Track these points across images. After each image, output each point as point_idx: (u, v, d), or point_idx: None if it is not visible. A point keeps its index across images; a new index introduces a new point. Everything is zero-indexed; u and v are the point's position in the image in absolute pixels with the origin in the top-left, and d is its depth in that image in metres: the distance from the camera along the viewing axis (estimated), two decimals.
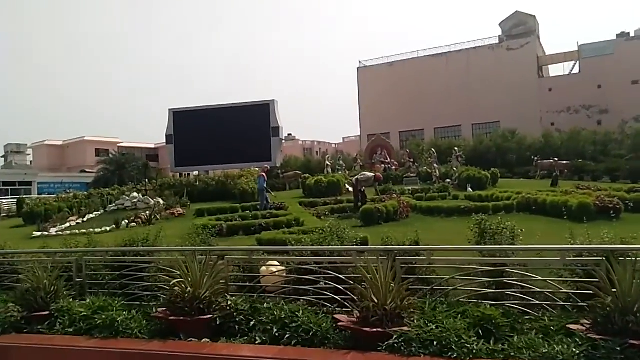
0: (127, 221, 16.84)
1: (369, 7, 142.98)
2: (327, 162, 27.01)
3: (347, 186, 22.10)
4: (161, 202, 19.97)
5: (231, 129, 31.73)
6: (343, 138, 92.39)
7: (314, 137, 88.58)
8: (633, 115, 45.79)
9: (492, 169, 22.39)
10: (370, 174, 16.43)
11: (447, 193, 18.51)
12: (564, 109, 50.72)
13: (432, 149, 27.10)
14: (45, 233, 16.61)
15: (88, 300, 6.22)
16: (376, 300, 4.94)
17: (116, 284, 6.95)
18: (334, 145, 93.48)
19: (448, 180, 21.36)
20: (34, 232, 16.87)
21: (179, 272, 5.93)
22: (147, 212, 17.81)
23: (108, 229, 15.99)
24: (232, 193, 22.63)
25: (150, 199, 20.51)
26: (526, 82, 51.64)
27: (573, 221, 10.54)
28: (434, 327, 4.55)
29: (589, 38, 73.15)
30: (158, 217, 17.29)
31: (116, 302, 6.22)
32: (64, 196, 24.93)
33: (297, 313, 5.23)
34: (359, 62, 61.04)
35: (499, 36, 54.79)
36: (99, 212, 20.58)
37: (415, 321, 4.73)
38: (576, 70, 53.28)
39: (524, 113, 49.01)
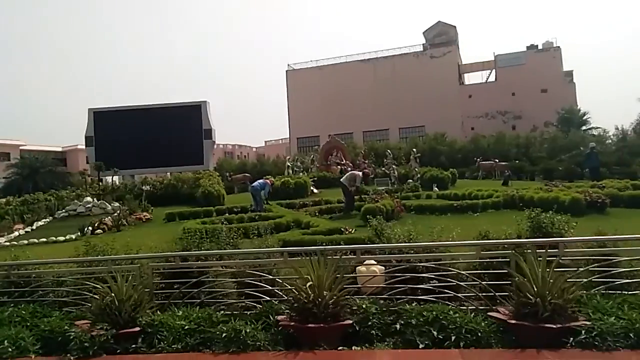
0: (90, 228, 15.22)
1: (293, 12, 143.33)
2: (288, 164, 26.47)
3: (312, 188, 21.80)
4: (120, 206, 18.33)
5: (159, 131, 30.11)
6: (265, 141, 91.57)
7: (232, 140, 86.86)
8: (543, 120, 49.96)
9: (451, 169, 23.22)
10: (359, 173, 16.27)
11: (419, 192, 18.85)
12: (482, 115, 54.15)
13: (389, 151, 27.59)
14: None
15: (180, 312, 5.43)
16: (535, 295, 4.78)
17: (180, 293, 6.16)
18: (254, 149, 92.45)
19: (410, 181, 21.77)
20: None
21: (296, 276, 5.36)
22: (110, 218, 16.24)
23: (73, 236, 14.36)
24: (187, 196, 21.39)
25: (107, 204, 18.74)
26: (448, 88, 54.52)
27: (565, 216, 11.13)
28: (617, 320, 4.46)
29: (504, 48, 78.60)
30: (125, 222, 15.82)
31: (205, 312, 5.49)
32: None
33: (449, 312, 4.92)
34: (288, 65, 60.88)
35: (423, 44, 57.35)
36: (48, 220, 18.43)
37: (591, 314, 4.62)
38: (492, 78, 57.16)
39: (446, 118, 51.62)
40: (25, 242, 14.21)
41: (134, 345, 5.09)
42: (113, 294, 5.32)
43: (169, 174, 30.18)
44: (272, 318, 5.28)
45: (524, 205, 14.34)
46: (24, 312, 5.85)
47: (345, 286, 5.82)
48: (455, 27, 57.20)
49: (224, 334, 4.93)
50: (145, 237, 11.75)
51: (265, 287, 5.99)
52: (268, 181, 17.26)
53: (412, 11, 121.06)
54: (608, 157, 28.70)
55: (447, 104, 53.30)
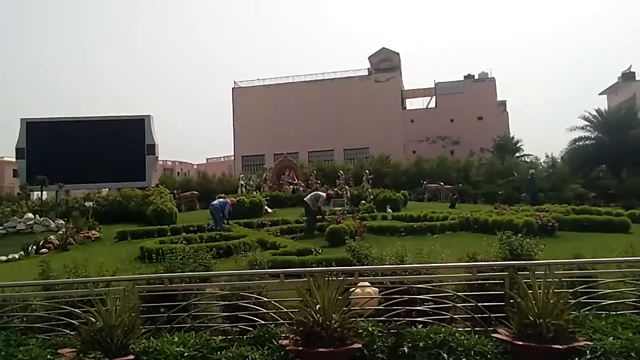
0: (34, 247, 14.18)
1: (244, 29, 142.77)
2: (242, 182, 26.04)
3: (266, 207, 21.56)
4: (65, 224, 17.24)
5: (99, 145, 28.99)
6: (207, 159, 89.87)
7: (171, 157, 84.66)
8: (479, 146, 52.50)
9: (402, 191, 23.77)
10: (323, 193, 16.27)
11: (374, 213, 19.14)
12: (423, 139, 56.13)
13: (341, 172, 27.88)
14: None
15: (176, 338, 5.13)
16: (536, 315, 4.94)
17: (167, 317, 5.85)
18: (195, 166, 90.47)
19: (363, 202, 22.06)
20: None
21: (294, 298, 5.23)
22: (55, 236, 15.22)
23: (16, 256, 13.32)
24: (135, 214, 20.49)
25: (51, 221, 17.53)
26: (392, 112, 56.18)
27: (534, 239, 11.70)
28: (615, 340, 4.68)
29: (444, 77, 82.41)
30: (73, 241, 14.88)
31: (202, 338, 5.24)
32: None
33: (455, 335, 4.97)
34: (234, 82, 60.44)
35: (368, 69, 58.91)
36: None
37: (591, 334, 4.82)
38: (433, 104, 59.52)
39: (390, 140, 53.04)
40: None
41: None
42: (102, 319, 4.95)
43: (105, 190, 28.90)
44: (275, 343, 5.10)
45: (478, 227, 15.01)
46: None
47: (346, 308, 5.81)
48: (398, 53, 59.27)
49: None
50: (97, 256, 11.06)
51: (259, 310, 5.82)
52: (228, 200, 16.88)
53: (359, 36, 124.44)
54: (542, 183, 30.52)
55: (390, 127, 54.82)
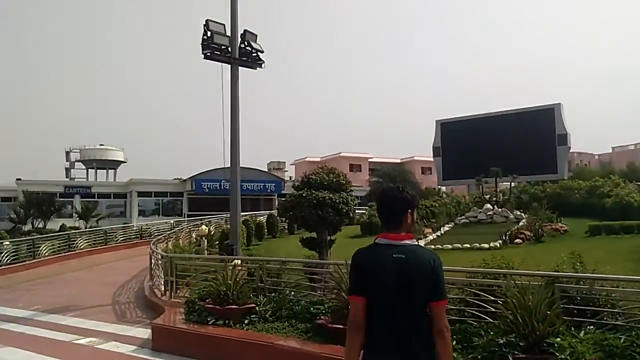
0: (506, 237, 15.36)
1: None
2: None
3: None
4: (526, 215, 18.00)
5: (508, 138, 28.30)
6: (612, 147, 79.03)
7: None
8: None
9: None
10: None
11: None
12: None
13: None
14: None
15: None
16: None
17: None
18: (596, 156, 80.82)
19: None
20: None
21: None
22: (527, 227, 15.90)
23: (497, 244, 14.76)
24: (580, 206, 19.29)
25: (509, 212, 18.70)
26: None
27: None
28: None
29: None
30: (543, 233, 15.26)
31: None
32: None
33: None
34: None
35: None
36: (450, 225, 19.77)
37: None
38: None
39: None
40: (449, 246, 15.04)
41: None
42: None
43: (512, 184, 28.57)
44: None
45: None
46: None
47: None
48: None
49: None
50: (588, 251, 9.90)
51: None
52: None
53: None
54: None
55: None
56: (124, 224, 31.31)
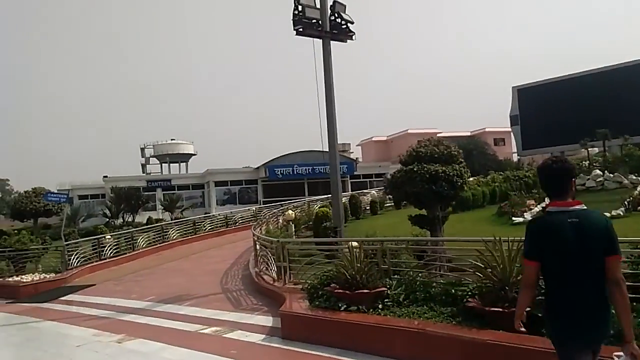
0: (629, 204, 14.09)
1: None
2: None
3: None
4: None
5: (599, 98, 26.04)
6: None
7: None
8: None
9: None
10: None
11: None
12: None
13: None
14: (521, 220, 15.03)
15: None
16: None
17: None
18: None
19: None
20: (513, 219, 15.56)
21: None
22: None
23: (620, 212, 13.72)
24: None
25: (623, 177, 17.37)
26: None
27: None
28: None
29: None
30: None
31: None
32: (483, 180, 23.56)
33: None
34: None
35: None
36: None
37: None
38: None
39: None
40: None
41: None
42: None
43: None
44: None
45: None
46: None
47: None
48: None
49: None
50: None
51: None
52: None
53: None
54: None
55: None
56: (205, 213, 32.05)
